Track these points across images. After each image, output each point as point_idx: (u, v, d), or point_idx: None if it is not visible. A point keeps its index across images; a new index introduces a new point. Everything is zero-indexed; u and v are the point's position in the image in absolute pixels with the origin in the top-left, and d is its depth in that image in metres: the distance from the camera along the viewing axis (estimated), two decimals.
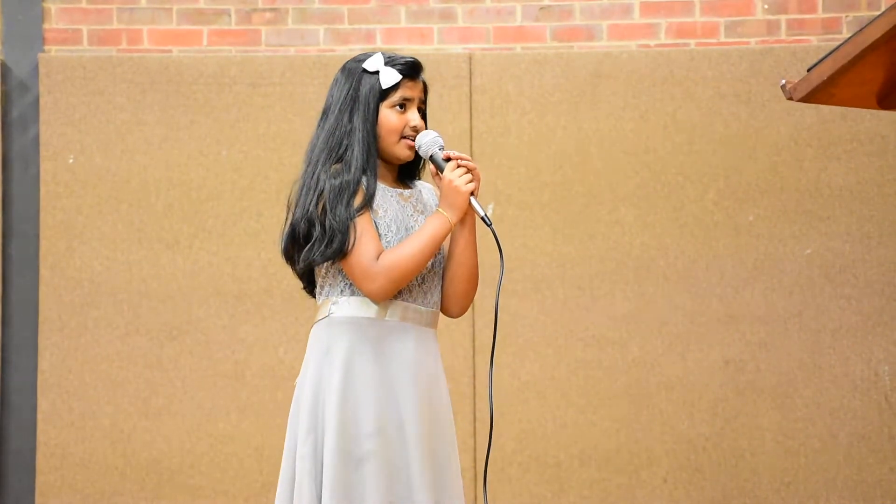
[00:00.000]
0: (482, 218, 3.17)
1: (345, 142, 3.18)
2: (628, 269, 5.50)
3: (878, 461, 5.44)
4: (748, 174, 5.51)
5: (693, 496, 5.44)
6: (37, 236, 5.54)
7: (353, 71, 3.25)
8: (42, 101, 5.56)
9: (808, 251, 5.50)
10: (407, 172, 3.31)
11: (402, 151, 3.22)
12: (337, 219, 3.11)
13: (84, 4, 5.67)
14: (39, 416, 5.50)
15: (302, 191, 3.18)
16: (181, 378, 5.51)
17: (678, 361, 5.48)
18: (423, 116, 3.26)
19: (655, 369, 5.48)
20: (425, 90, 3.27)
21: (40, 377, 5.50)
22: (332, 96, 3.25)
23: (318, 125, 3.25)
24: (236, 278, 5.52)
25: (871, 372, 5.45)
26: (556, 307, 5.50)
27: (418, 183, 3.33)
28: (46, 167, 5.55)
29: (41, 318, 5.52)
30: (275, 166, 5.55)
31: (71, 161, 5.56)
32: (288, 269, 3.30)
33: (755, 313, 5.48)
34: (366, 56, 3.25)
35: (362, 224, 3.13)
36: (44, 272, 5.52)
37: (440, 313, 3.28)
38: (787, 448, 5.45)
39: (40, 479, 5.48)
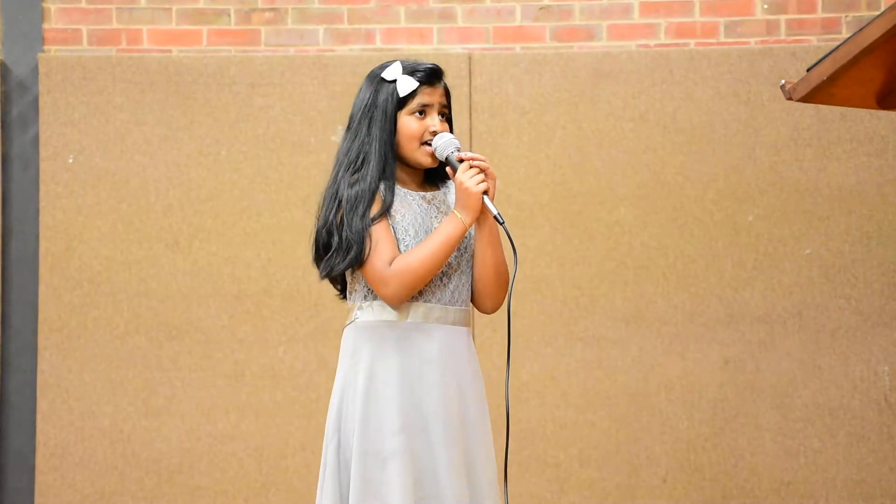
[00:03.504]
0: (495, 217, 3.18)
1: (363, 152, 3.23)
2: (628, 269, 5.50)
3: (878, 461, 5.44)
4: (748, 174, 5.51)
5: (693, 496, 5.44)
6: (36, 236, 5.54)
7: (373, 80, 3.28)
8: (42, 101, 5.56)
9: (808, 251, 5.50)
10: (436, 175, 3.33)
11: (423, 158, 3.25)
12: (353, 229, 3.15)
13: (84, 4, 5.67)
14: (39, 416, 5.50)
15: (324, 200, 3.24)
16: (181, 378, 5.51)
17: (678, 361, 5.48)
18: (449, 120, 3.29)
19: (655, 369, 5.48)
20: (447, 95, 3.30)
21: (40, 377, 5.50)
22: (355, 105, 3.29)
23: (344, 135, 3.29)
24: (236, 278, 5.52)
25: (871, 372, 5.45)
26: (555, 307, 5.50)
27: (449, 184, 3.35)
28: (46, 167, 5.55)
29: (41, 319, 5.51)
30: (274, 166, 5.55)
31: (70, 161, 5.56)
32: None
33: (755, 313, 5.48)
34: (387, 65, 3.27)
35: (379, 231, 3.17)
36: (43, 272, 5.52)
37: (473, 310, 3.30)
38: (787, 448, 5.45)
39: (40, 479, 5.48)
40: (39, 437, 5.49)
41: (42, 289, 5.52)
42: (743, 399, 5.46)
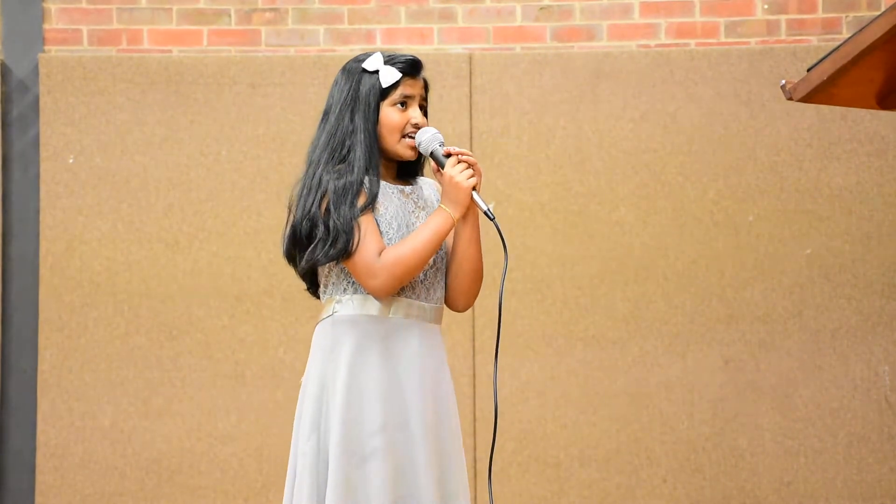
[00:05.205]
0: (485, 212, 3.17)
1: (347, 142, 3.19)
2: (628, 269, 5.50)
3: (878, 461, 5.44)
4: (748, 174, 5.51)
5: (693, 496, 5.45)
6: (37, 236, 5.54)
7: (353, 71, 3.26)
8: (42, 102, 5.56)
9: (808, 251, 5.50)
10: (408, 169, 3.31)
11: (404, 151, 3.23)
12: (341, 219, 3.12)
13: (84, 4, 5.67)
14: (39, 416, 5.50)
15: (303, 191, 3.19)
16: (181, 378, 5.51)
17: (678, 361, 5.48)
18: (425, 114, 3.28)
19: (655, 369, 5.48)
20: (426, 87, 3.28)
21: (40, 377, 5.50)
22: (332, 97, 3.26)
23: (319, 126, 3.26)
24: (236, 278, 5.53)
25: (871, 372, 5.46)
26: (556, 307, 5.50)
27: (420, 179, 3.34)
28: (46, 167, 5.55)
29: (41, 318, 5.51)
30: (275, 166, 5.55)
31: (71, 161, 5.56)
32: (288, 269, 3.30)
33: (755, 313, 5.48)
34: (365, 56, 3.26)
35: (365, 223, 3.14)
36: (44, 272, 5.52)
37: (445, 309, 3.29)
38: (787, 448, 5.45)
39: (40, 479, 5.48)
40: (39, 437, 5.49)
41: (42, 289, 5.52)
42: (743, 399, 5.46)
